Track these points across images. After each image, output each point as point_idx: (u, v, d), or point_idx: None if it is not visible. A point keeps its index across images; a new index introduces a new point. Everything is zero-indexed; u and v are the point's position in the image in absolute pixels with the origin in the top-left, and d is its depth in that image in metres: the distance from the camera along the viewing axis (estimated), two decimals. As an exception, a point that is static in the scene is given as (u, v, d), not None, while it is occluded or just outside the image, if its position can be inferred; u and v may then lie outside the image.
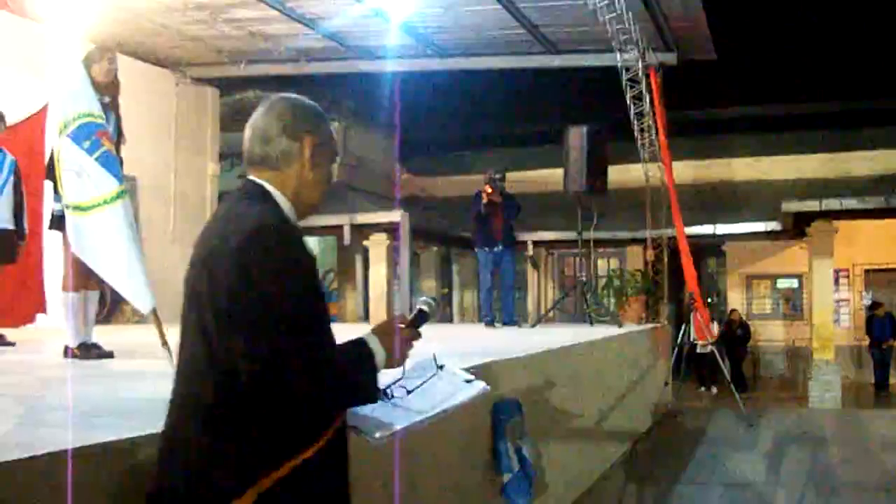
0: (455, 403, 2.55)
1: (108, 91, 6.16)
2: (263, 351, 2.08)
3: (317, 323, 2.16)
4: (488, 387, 2.57)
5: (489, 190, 11.04)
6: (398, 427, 2.44)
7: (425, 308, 2.44)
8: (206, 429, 2.15)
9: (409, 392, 2.55)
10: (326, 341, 2.17)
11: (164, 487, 2.21)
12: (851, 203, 15.86)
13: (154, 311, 5.72)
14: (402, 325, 2.34)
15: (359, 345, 2.25)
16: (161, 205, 13.64)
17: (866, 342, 18.46)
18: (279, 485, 2.11)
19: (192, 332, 2.20)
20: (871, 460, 9.44)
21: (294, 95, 2.41)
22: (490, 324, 11.46)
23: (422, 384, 2.56)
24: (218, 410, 2.15)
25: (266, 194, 2.29)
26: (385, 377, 2.37)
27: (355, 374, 2.22)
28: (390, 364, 2.29)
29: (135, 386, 4.74)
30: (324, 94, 21.58)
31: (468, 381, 2.57)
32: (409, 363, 2.51)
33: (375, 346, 2.25)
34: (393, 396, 2.53)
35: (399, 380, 2.57)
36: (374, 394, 2.25)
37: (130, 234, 5.56)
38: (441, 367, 2.61)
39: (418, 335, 2.38)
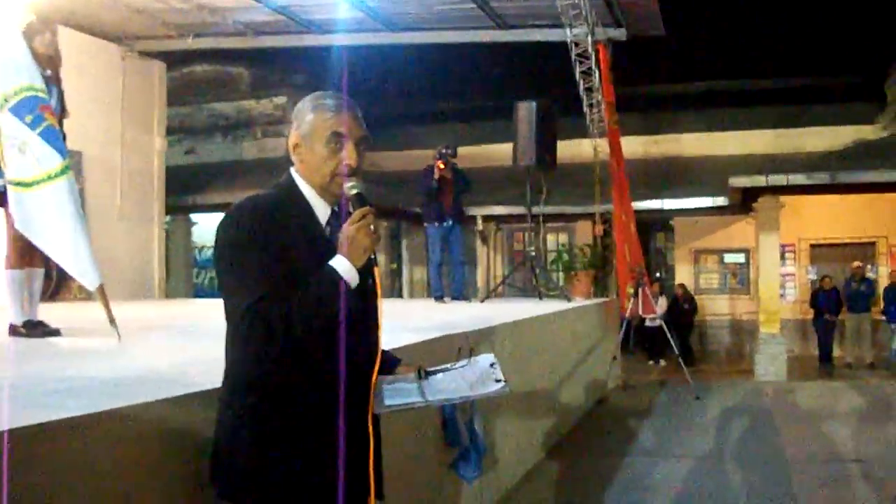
0: (466, 396, 2.68)
1: (50, 64, 6.04)
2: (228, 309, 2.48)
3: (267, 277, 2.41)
4: (508, 389, 2.64)
5: (441, 165, 11.02)
6: (397, 403, 2.58)
7: (355, 191, 2.58)
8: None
9: (427, 375, 2.69)
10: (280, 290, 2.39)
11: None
12: (798, 178, 16.01)
13: (101, 288, 5.66)
14: (350, 224, 2.48)
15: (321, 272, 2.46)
16: (107, 180, 13.41)
17: (811, 316, 18.74)
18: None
19: None
20: (816, 432, 9.61)
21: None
22: (440, 299, 11.47)
23: (443, 371, 2.70)
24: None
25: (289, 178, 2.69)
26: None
27: (316, 302, 2.41)
28: (358, 260, 2.47)
29: (82, 364, 4.69)
30: (273, 68, 21.46)
31: (497, 381, 2.65)
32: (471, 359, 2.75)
33: (336, 262, 2.45)
34: (426, 377, 2.67)
35: (444, 367, 2.71)
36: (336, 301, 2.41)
37: (75, 210, 5.49)
38: (469, 361, 2.74)
39: (367, 213, 2.50)
